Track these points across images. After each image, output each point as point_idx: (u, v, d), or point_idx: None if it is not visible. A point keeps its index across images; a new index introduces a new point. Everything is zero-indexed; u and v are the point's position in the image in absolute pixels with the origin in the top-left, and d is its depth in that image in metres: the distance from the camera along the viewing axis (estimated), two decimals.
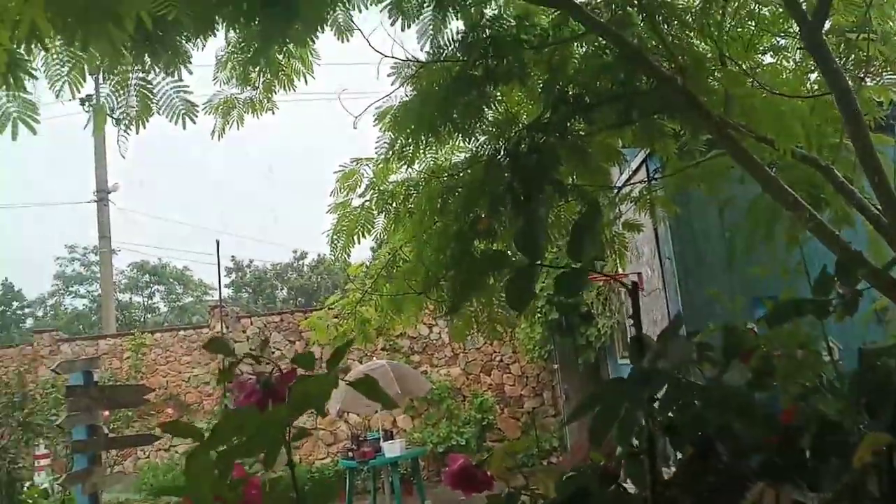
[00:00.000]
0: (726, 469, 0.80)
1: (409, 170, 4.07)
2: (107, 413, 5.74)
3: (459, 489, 1.07)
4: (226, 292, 28.74)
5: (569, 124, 3.35)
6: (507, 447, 1.06)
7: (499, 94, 3.57)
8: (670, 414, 0.82)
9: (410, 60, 3.49)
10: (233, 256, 32.99)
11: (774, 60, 3.52)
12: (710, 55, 3.06)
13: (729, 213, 4.07)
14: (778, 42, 3.52)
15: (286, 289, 34.20)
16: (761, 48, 3.52)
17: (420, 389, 8.69)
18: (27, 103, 2.57)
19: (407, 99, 3.60)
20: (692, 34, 3.08)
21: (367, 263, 5.41)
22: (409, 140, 3.65)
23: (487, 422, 12.55)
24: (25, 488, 7.94)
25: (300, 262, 34.75)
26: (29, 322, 30.90)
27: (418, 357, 13.16)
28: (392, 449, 8.24)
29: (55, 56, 2.74)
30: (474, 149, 3.85)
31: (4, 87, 2.41)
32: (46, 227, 40.94)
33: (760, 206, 3.35)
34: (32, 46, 2.46)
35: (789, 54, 3.47)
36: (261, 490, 0.94)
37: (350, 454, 8.58)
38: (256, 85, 3.89)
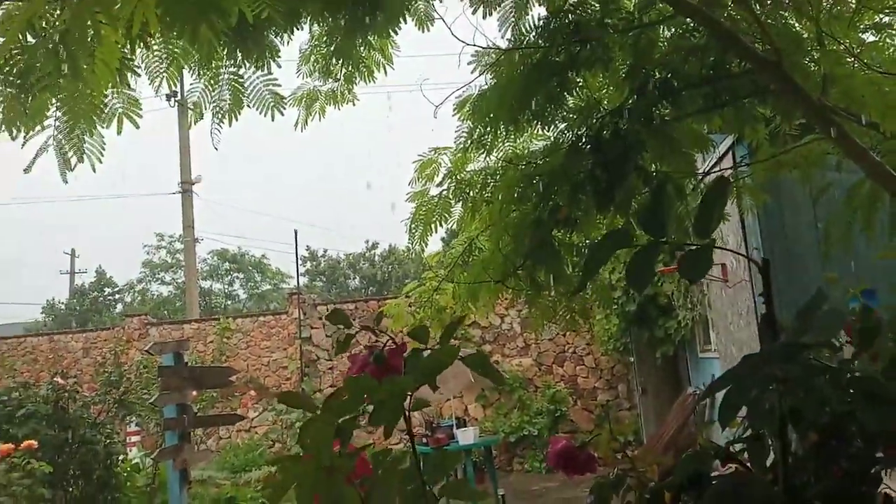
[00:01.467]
0: (860, 454, 0.77)
1: (487, 158, 4.07)
2: (194, 393, 6.03)
3: (562, 470, 1.07)
4: (301, 280, 29.61)
5: (654, 110, 3.27)
6: (615, 431, 1.05)
7: (580, 80, 3.52)
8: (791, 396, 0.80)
9: (491, 48, 3.48)
10: (308, 246, 33.92)
11: (877, 38, 3.32)
12: (806, 35, 2.92)
13: (821, 202, 3.88)
14: (881, 19, 3.32)
15: (358, 278, 34.89)
16: (862, 26, 3.33)
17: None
18: (131, 99, 2.70)
19: (486, 87, 3.60)
20: (787, 13, 2.94)
21: (444, 252, 5.46)
22: (488, 129, 3.65)
23: (560, 413, 12.45)
24: (120, 462, 8.44)
25: (372, 252, 35.35)
26: (119, 307, 32.68)
27: (490, 347, 13.19)
28: (466, 436, 8.31)
29: (155, 53, 2.87)
30: (553, 136, 3.81)
31: (107, 85, 2.53)
32: (136, 217, 43.24)
33: (861, 193, 3.17)
34: (136, 45, 2.60)
35: (894, 31, 3.26)
36: (366, 461, 0.97)
37: (424, 440, 8.70)
38: (338, 77, 3.97)
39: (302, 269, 32.83)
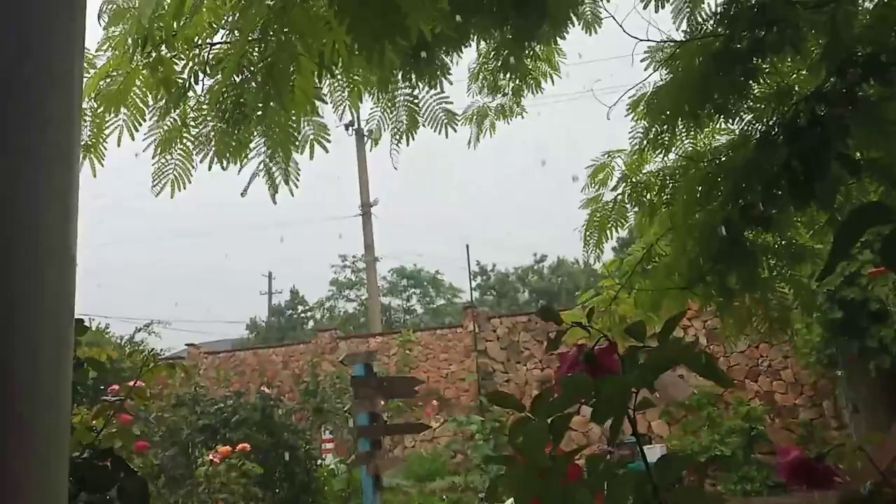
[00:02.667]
0: None
1: (665, 158, 3.90)
2: (383, 403, 6.35)
3: (795, 483, 0.97)
4: (473, 295, 30.22)
5: (858, 91, 2.93)
6: (866, 440, 0.93)
7: (766, 66, 3.25)
8: None
9: (665, 42, 3.34)
10: (478, 261, 34.61)
11: None
12: None
13: None
14: None
15: (527, 291, 34.94)
16: None
17: (679, 393, 8.12)
18: (320, 126, 2.90)
19: (661, 84, 3.45)
20: None
21: (620, 260, 5.29)
22: (665, 127, 3.49)
23: (756, 432, 11.46)
24: (318, 467, 9.09)
25: (540, 265, 35.27)
26: (311, 323, 35.44)
27: None
28: (652, 454, 7.91)
29: (338, 82, 3.09)
30: (739, 129, 3.57)
31: (303, 113, 2.74)
32: (323, 239, 46.97)
33: None
34: (323, 75, 2.80)
35: None
36: (578, 466, 0.94)
37: (608, 457, 8.43)
38: (506, 92, 4.02)
39: (472, 284, 33.52)
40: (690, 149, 3.77)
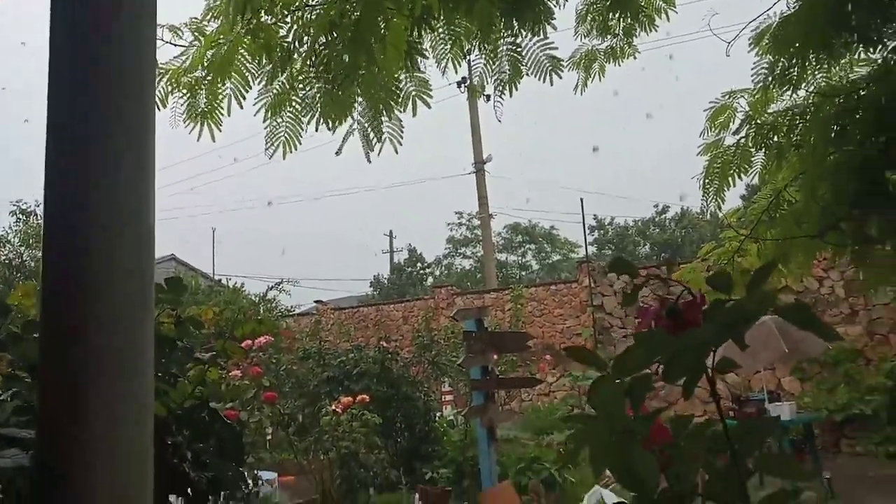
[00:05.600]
0: None
1: (794, 96, 3.57)
2: (495, 357, 6.40)
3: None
4: (590, 250, 29.59)
5: None
6: None
7: None
8: None
9: None
10: (595, 215, 33.81)
11: None
12: None
13: None
14: None
15: (648, 245, 33.78)
16: None
17: (813, 349, 7.67)
18: (422, 81, 2.88)
19: (789, 12, 3.13)
20: None
21: (745, 208, 4.98)
22: (794, 60, 3.19)
23: None
24: (437, 418, 9.37)
25: (662, 217, 33.91)
26: (430, 280, 36.26)
27: None
28: (780, 411, 7.53)
29: (439, 35, 3.04)
30: (882, 57, 3.19)
31: (404, 69, 2.73)
32: (438, 198, 47.67)
33: None
34: (423, 29, 2.76)
35: None
36: (664, 428, 0.89)
37: (731, 413, 8.10)
38: (616, 32, 3.81)
39: (590, 239, 32.85)
40: (823, 84, 3.42)
